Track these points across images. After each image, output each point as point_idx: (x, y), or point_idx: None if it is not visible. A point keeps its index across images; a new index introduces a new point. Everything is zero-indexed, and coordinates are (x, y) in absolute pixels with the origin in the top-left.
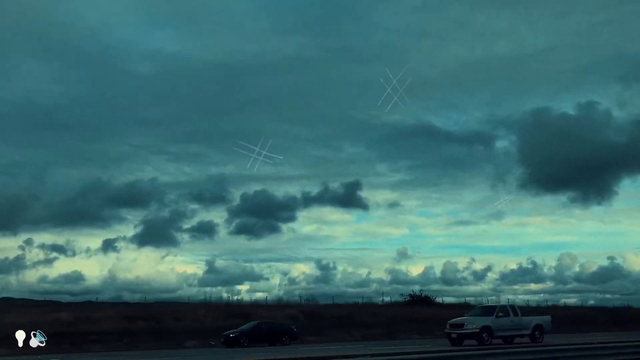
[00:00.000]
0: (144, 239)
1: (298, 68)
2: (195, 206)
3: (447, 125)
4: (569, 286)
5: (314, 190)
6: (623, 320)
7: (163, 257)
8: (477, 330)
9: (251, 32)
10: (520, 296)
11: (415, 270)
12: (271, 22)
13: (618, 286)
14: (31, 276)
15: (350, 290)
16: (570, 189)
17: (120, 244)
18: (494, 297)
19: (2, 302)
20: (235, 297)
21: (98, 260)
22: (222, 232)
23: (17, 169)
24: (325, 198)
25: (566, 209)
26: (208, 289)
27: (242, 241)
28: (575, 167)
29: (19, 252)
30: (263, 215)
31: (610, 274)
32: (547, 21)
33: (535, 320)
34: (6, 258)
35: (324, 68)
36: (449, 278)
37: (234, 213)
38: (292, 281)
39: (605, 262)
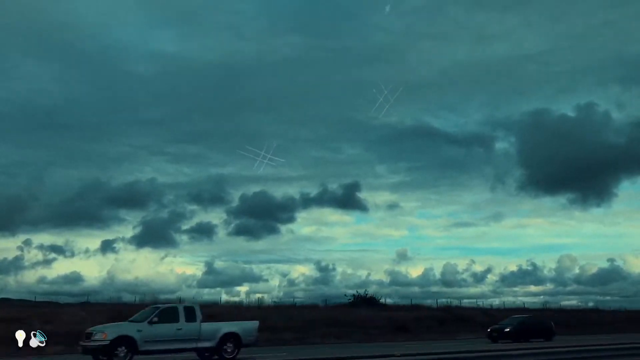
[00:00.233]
0: (142, 240)
1: (297, 69)
2: (194, 207)
3: (446, 126)
4: (568, 288)
5: (313, 191)
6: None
7: (162, 258)
8: (107, 342)
9: (251, 33)
10: (520, 298)
11: (414, 271)
12: (270, 22)
13: (618, 288)
14: (30, 277)
15: (350, 291)
16: (569, 191)
17: (119, 245)
18: (494, 299)
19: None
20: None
21: (97, 261)
22: (221, 233)
23: (16, 169)
24: (325, 199)
25: (566, 210)
26: (207, 290)
27: (241, 242)
28: (574, 168)
29: (18, 252)
30: (262, 216)
31: (610, 275)
32: (546, 23)
33: (227, 327)
34: (5, 259)
35: (324, 69)
36: (448, 280)
37: (233, 214)
38: (291, 282)
39: (605, 264)
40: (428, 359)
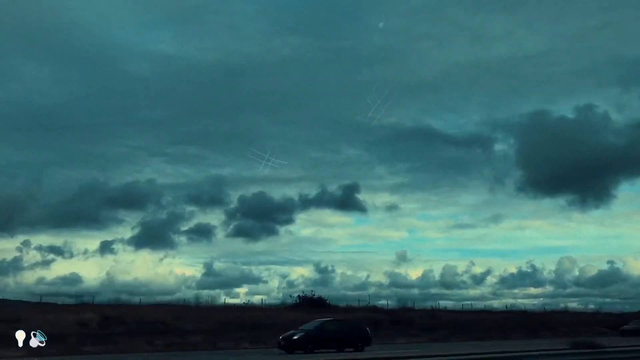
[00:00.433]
0: (141, 241)
1: (296, 70)
2: (193, 208)
3: (446, 127)
4: (568, 290)
5: (312, 192)
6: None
7: (161, 259)
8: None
9: (249, 34)
10: (519, 300)
11: (414, 273)
12: (269, 23)
13: (618, 290)
14: (28, 278)
15: (350, 293)
16: (568, 192)
17: (117, 246)
18: (493, 301)
19: None
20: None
21: (96, 262)
22: (220, 234)
23: (15, 170)
24: (324, 200)
25: (565, 212)
26: (206, 291)
27: (240, 244)
28: (573, 170)
29: (17, 253)
30: (261, 217)
31: (610, 277)
32: (545, 24)
33: None
34: (3, 259)
35: (323, 70)
36: (448, 281)
37: (231, 215)
38: (290, 284)
39: (604, 266)
40: None
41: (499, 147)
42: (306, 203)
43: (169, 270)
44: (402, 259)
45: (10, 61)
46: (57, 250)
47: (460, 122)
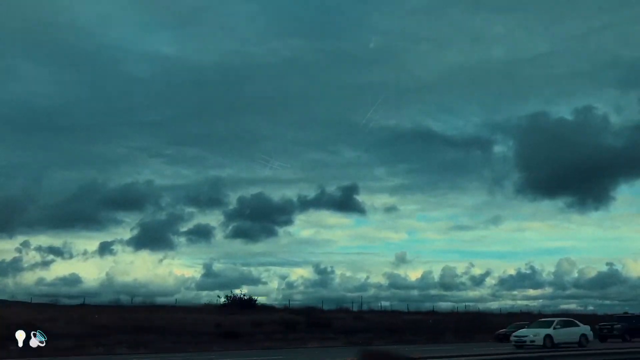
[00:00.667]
0: (140, 242)
1: (296, 71)
2: (192, 209)
3: (445, 129)
4: (567, 292)
5: (312, 193)
6: None
7: (160, 260)
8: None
9: (249, 35)
10: (519, 302)
11: (414, 275)
12: (268, 24)
13: (617, 292)
14: (28, 279)
15: (349, 294)
16: (567, 194)
17: (117, 247)
18: (493, 303)
19: None
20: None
21: (95, 263)
22: (219, 235)
23: (14, 171)
24: (323, 202)
25: (564, 214)
26: (205, 292)
27: (239, 245)
28: (572, 172)
29: (16, 254)
30: (260, 218)
31: (609, 279)
32: (544, 26)
33: None
34: (3, 260)
35: (322, 71)
36: (447, 283)
37: (230, 216)
38: (290, 285)
39: (604, 268)
40: None
41: (498, 148)
42: (305, 204)
43: (168, 272)
44: (401, 260)
45: (9, 62)
46: (57, 251)
47: (459, 124)
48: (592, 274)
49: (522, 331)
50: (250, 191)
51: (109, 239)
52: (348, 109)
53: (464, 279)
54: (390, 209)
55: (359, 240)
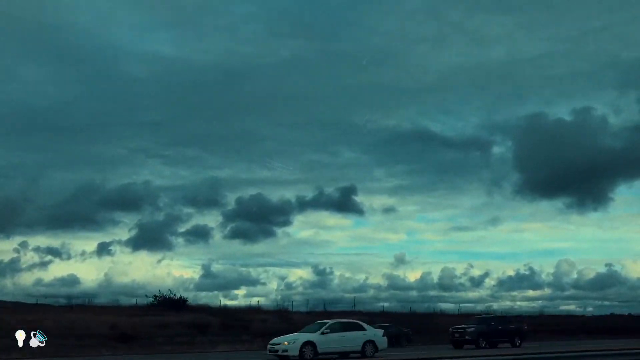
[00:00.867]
0: (139, 243)
1: (294, 71)
2: (190, 210)
3: (444, 130)
4: (566, 293)
5: (310, 194)
6: None
7: (159, 261)
8: None
9: (247, 36)
10: (518, 303)
11: (413, 275)
12: (268, 25)
13: (616, 293)
14: (26, 279)
15: (348, 295)
16: (566, 195)
17: (115, 248)
18: (492, 304)
19: None
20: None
21: (93, 264)
22: (218, 236)
23: (12, 171)
24: (321, 203)
25: (563, 215)
26: (204, 293)
27: (237, 245)
28: (571, 173)
29: (14, 255)
30: (259, 219)
31: (608, 280)
32: (543, 27)
33: None
34: (1, 261)
35: (321, 71)
36: (446, 284)
37: (229, 217)
38: (289, 286)
39: (603, 269)
40: None
41: (497, 149)
42: (304, 205)
43: (166, 272)
44: (400, 261)
45: (8, 62)
46: (55, 252)
47: (458, 125)
48: (591, 274)
49: (279, 338)
50: (249, 192)
51: (107, 239)
52: (347, 110)
53: (463, 279)
54: (389, 210)
55: (358, 241)
